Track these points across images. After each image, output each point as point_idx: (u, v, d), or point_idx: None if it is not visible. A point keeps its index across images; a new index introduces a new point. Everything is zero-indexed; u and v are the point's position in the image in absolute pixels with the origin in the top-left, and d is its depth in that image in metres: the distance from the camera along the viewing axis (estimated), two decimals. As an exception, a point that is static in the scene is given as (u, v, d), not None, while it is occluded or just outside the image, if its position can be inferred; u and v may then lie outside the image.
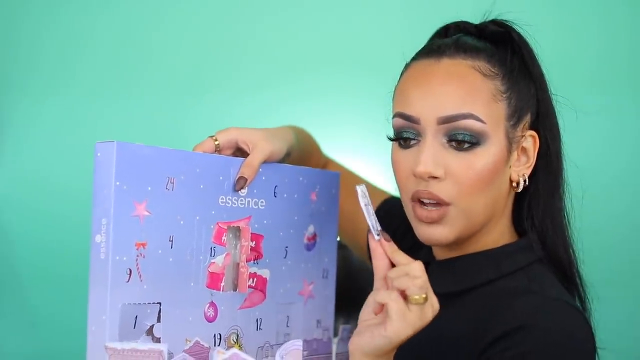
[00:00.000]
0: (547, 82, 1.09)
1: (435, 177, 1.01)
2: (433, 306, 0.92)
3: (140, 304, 0.93)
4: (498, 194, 1.05)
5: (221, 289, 1.02)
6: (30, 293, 2.15)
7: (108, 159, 0.91)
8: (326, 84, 2.12)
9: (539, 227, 1.08)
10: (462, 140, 1.01)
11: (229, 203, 1.03)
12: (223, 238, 1.03)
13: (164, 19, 2.16)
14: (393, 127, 1.06)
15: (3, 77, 2.15)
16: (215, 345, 1.01)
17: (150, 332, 0.95)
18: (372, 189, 1.32)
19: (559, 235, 1.08)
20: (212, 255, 1.01)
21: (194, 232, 0.99)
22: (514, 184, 1.06)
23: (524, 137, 1.05)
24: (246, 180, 1.04)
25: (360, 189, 0.96)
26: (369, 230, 0.96)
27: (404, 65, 1.09)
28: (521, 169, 1.06)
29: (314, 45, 2.13)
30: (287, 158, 1.15)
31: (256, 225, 1.07)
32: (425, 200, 1.02)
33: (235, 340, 1.04)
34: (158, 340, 0.95)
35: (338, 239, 1.22)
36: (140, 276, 0.93)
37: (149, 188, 0.95)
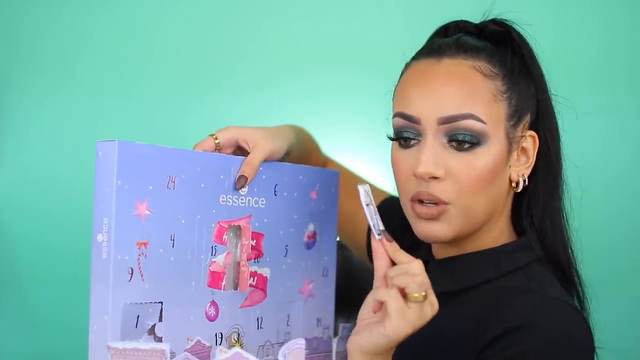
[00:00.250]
0: (547, 82, 1.09)
1: (435, 178, 1.01)
2: (432, 305, 0.92)
3: (142, 303, 0.94)
4: (498, 193, 1.05)
5: (222, 288, 1.02)
6: (30, 293, 2.15)
7: (109, 158, 0.91)
8: (326, 83, 2.11)
9: (538, 227, 1.08)
10: (463, 141, 1.01)
11: (229, 202, 1.04)
12: (224, 237, 1.03)
13: (164, 18, 2.16)
14: (393, 126, 1.06)
15: (3, 77, 2.15)
16: (216, 344, 1.01)
17: (152, 331, 0.95)
18: (372, 189, 1.31)
19: (558, 235, 1.09)
20: (213, 254, 1.02)
21: (195, 231, 0.99)
22: (514, 184, 1.06)
23: (523, 137, 1.05)
24: (247, 179, 1.04)
25: (363, 189, 0.96)
26: (369, 230, 0.96)
27: (404, 65, 1.09)
28: (521, 169, 1.06)
29: (314, 45, 2.13)
30: (287, 157, 1.15)
31: (257, 224, 1.07)
32: (425, 200, 1.03)
33: (236, 339, 1.04)
34: (160, 340, 0.95)
35: (337, 238, 1.22)
36: (142, 275, 0.93)
37: (150, 187, 0.95)
